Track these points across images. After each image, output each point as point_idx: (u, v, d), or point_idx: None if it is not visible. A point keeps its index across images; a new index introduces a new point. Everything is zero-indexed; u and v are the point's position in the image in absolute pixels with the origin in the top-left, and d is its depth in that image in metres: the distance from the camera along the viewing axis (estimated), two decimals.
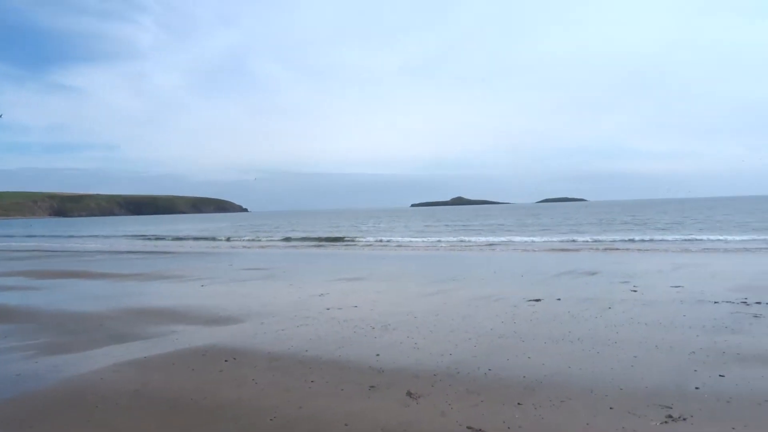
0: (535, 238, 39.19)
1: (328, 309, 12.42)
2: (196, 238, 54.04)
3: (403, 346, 9.08)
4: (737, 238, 33.36)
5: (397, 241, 41.50)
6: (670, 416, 6.02)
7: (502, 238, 41.14)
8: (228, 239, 50.60)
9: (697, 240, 33.03)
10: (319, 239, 47.21)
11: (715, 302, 11.97)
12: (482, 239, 40.56)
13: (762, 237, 33.79)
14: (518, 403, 6.48)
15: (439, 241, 40.40)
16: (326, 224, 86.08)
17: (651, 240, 33.74)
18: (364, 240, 44.03)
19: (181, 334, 10.44)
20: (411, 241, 40.82)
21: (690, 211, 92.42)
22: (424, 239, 40.98)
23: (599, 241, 34.54)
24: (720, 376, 7.21)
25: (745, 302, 11.88)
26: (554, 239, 37.73)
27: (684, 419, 5.94)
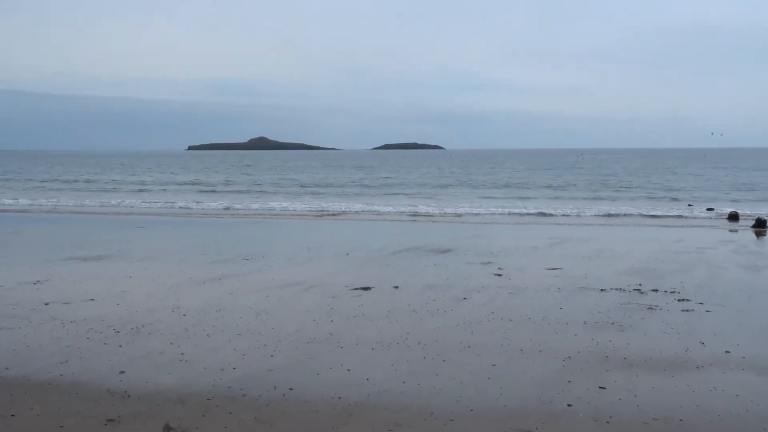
0: (370, 204, 40.34)
1: (46, 304, 11.85)
2: None
3: (164, 358, 8.89)
4: (636, 209, 37.01)
5: (169, 203, 40.54)
6: None
7: (322, 202, 41.82)
8: None
9: (587, 208, 36.23)
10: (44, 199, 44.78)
11: (602, 290, 13.13)
12: (289, 204, 40.93)
13: (668, 207, 37.71)
14: None
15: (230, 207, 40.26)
16: (50, 172, 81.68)
17: (534, 212, 36.34)
18: (113, 202, 42.51)
19: None
20: (192, 207, 40.18)
21: (586, 168, 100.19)
22: (200, 205, 40.43)
23: (456, 210, 36.53)
24: (600, 388, 7.88)
25: (638, 290, 13.16)
26: (396, 204, 39.13)
27: None
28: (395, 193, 51.07)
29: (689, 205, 38.09)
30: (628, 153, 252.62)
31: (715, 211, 32.89)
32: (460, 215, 31.93)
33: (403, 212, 34.01)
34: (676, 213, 32.47)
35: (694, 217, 30.64)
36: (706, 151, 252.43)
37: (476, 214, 32.36)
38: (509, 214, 32.48)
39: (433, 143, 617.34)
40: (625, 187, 55.92)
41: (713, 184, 60.49)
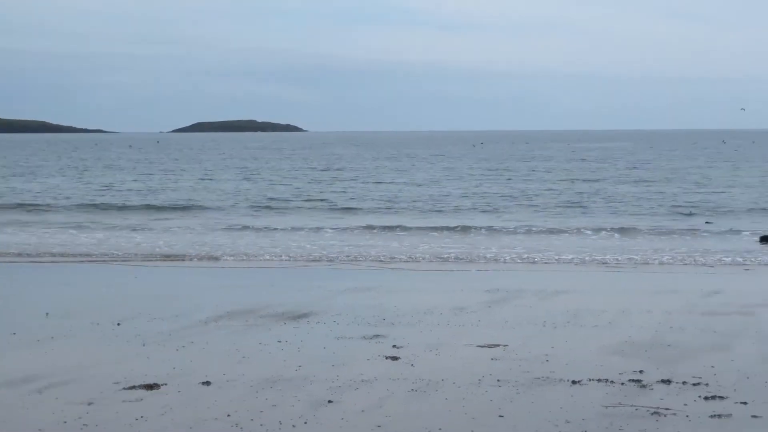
0: (168, 232, 40.29)
1: None
2: None
3: None
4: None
5: None
6: None
7: (66, 229, 41.49)
8: None
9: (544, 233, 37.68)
10: None
11: (575, 382, 13.21)
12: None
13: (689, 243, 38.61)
14: None
15: None
16: None
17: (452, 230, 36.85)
18: None
19: None
20: None
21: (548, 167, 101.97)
22: None
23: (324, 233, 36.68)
24: None
25: (638, 381, 13.31)
26: (211, 234, 39.21)
27: None
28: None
29: (707, 222, 42.16)
30: (633, 136, 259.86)
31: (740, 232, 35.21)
32: (319, 259, 31.71)
33: (215, 253, 33.87)
34: (690, 249, 33.31)
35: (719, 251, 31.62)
36: (725, 135, 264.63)
37: (351, 257, 32.30)
38: (422, 259, 32.19)
39: (284, 122, 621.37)
40: (613, 200, 58.63)
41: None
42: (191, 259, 31.44)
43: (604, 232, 39.02)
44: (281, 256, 31.49)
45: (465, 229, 40.42)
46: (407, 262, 29.86)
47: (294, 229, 41.27)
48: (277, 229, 41.27)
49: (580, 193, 62.96)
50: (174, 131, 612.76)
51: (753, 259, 29.34)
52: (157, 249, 34.45)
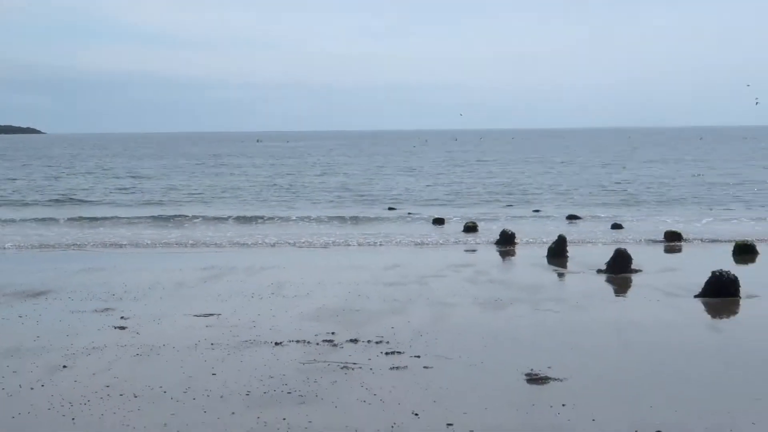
0: None
1: None
2: None
3: None
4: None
5: None
6: None
7: None
8: None
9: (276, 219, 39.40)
10: None
11: (277, 343, 14.64)
12: None
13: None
14: None
15: None
16: None
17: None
18: None
19: None
20: None
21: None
22: None
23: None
24: None
25: (330, 341, 14.90)
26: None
27: None
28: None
29: (390, 208, 45.65)
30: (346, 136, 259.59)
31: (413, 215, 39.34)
32: (54, 245, 31.78)
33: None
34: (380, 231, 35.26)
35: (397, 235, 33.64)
36: (457, 134, 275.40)
37: (82, 243, 32.26)
38: (146, 243, 32.21)
39: (23, 124, 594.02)
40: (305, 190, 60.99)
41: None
42: None
43: (302, 218, 40.48)
44: (20, 242, 31.36)
45: (182, 217, 41.01)
46: (133, 246, 30.52)
47: (32, 219, 40.85)
48: (15, 220, 40.44)
49: (281, 186, 63.66)
50: None
51: (427, 239, 31.40)
52: None
